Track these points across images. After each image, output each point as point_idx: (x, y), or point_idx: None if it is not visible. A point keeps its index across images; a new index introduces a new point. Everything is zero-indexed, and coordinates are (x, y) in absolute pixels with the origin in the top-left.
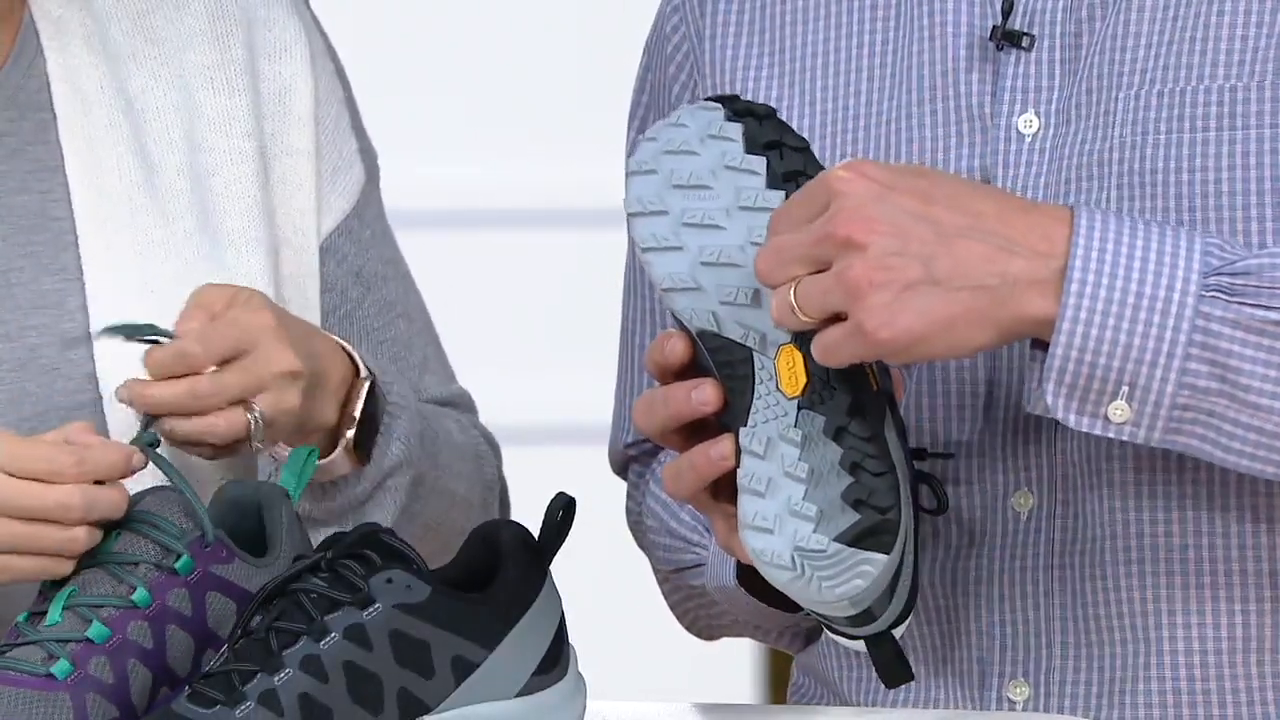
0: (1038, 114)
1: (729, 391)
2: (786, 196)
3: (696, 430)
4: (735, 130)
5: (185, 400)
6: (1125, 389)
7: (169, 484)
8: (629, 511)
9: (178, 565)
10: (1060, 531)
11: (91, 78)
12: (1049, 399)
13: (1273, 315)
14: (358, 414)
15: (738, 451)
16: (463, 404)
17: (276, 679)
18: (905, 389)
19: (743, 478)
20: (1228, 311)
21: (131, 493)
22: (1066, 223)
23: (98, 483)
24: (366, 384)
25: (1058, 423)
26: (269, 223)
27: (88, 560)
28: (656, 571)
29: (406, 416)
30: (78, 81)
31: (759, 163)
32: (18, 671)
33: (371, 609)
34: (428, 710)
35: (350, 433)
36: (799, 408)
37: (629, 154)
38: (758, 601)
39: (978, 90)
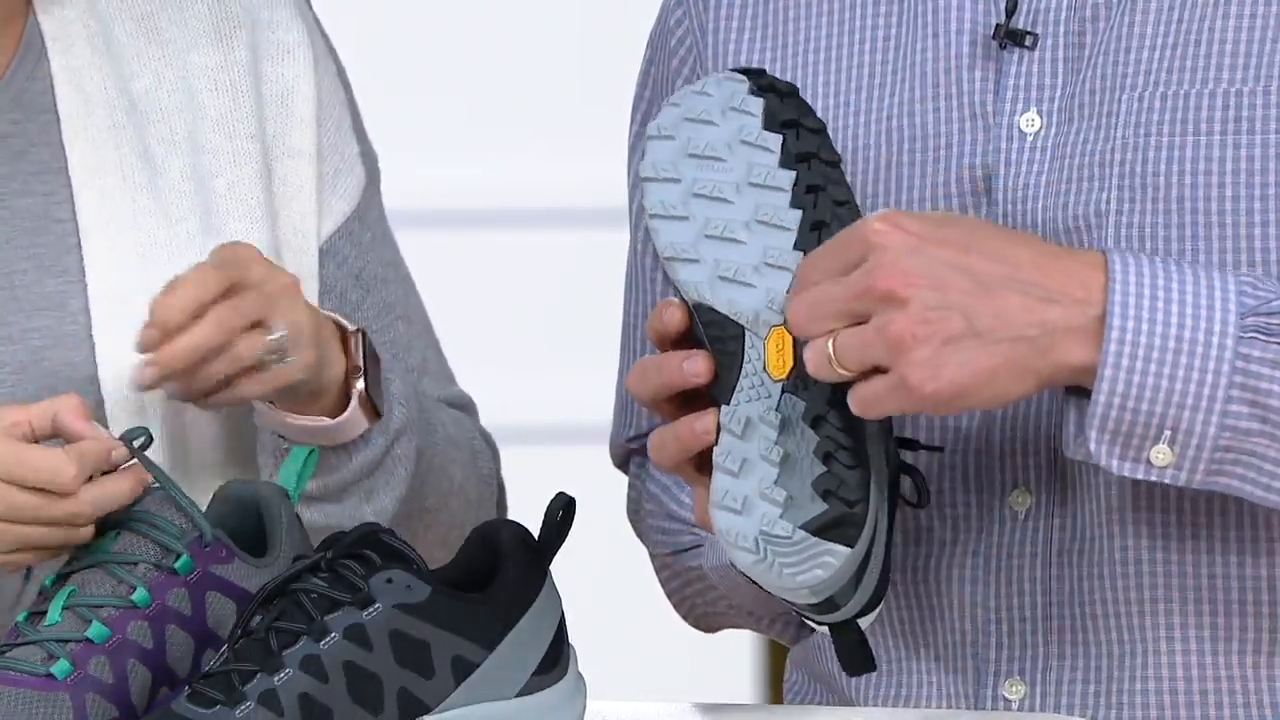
0: (1040, 113)
1: (719, 367)
2: (798, 177)
3: (689, 401)
4: (756, 105)
5: (210, 333)
6: (1168, 433)
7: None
8: (629, 500)
9: (177, 565)
10: (1058, 531)
11: (95, 79)
12: (1091, 445)
13: None
14: (361, 362)
15: (720, 428)
16: (463, 406)
17: (276, 679)
18: None
19: (718, 455)
20: (1266, 352)
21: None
22: (1101, 269)
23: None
24: (358, 335)
25: (1056, 422)
26: (271, 225)
27: (88, 560)
28: (654, 558)
29: (400, 378)
30: (81, 83)
31: (775, 140)
32: (18, 671)
33: (371, 609)
34: (428, 710)
35: (360, 383)
36: (783, 391)
37: (641, 123)
38: (752, 584)
39: (980, 88)
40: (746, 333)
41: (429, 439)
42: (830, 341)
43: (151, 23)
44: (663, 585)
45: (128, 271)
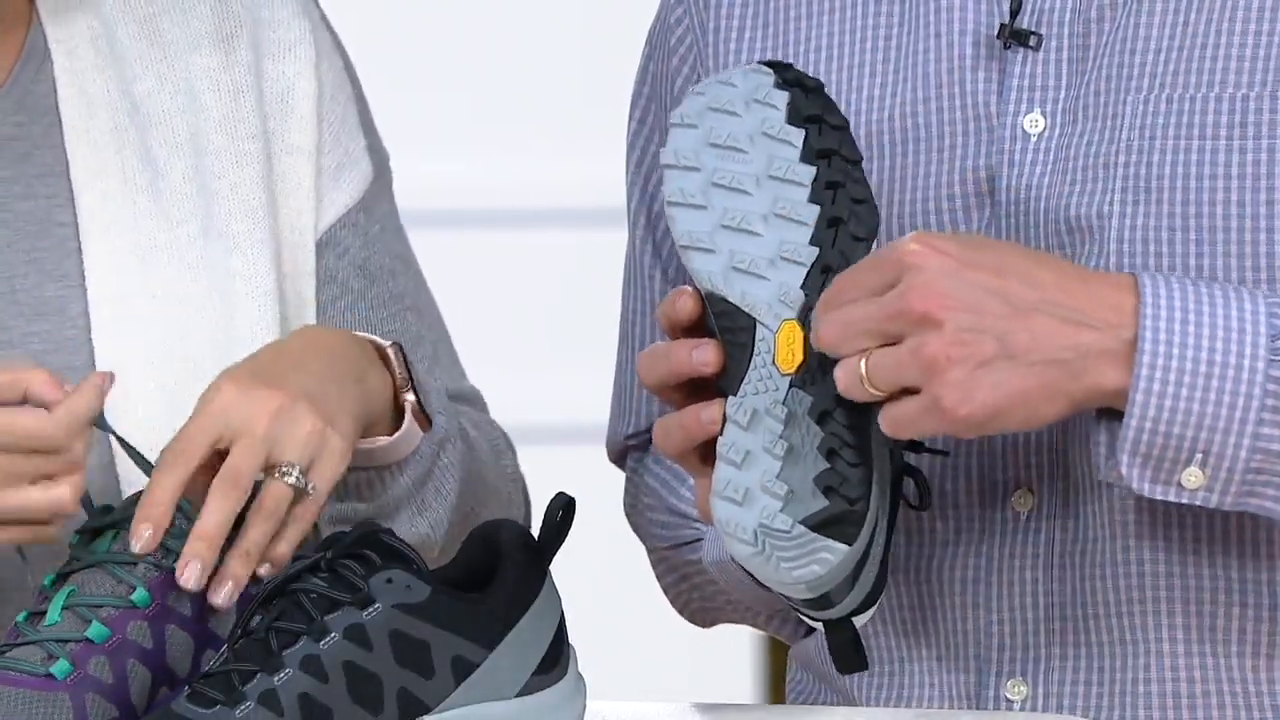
0: (1044, 114)
1: (728, 357)
2: (818, 173)
3: (696, 390)
4: (781, 99)
5: (228, 493)
6: (1199, 456)
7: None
8: (626, 495)
9: (177, 565)
10: (1060, 532)
11: (98, 82)
12: (1123, 469)
13: None
14: (408, 375)
15: (725, 418)
16: (472, 401)
17: (276, 679)
18: None
19: (722, 446)
20: None
21: (131, 492)
22: (1132, 292)
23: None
24: (394, 350)
25: (1058, 424)
26: (273, 224)
27: (88, 560)
28: (652, 552)
29: (434, 386)
30: (84, 86)
31: (797, 135)
32: (17, 671)
33: (371, 609)
34: (427, 710)
35: (411, 395)
36: (790, 385)
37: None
38: (752, 579)
39: (983, 89)
40: (757, 325)
41: (466, 444)
42: (863, 361)
43: (154, 25)
44: (659, 579)
45: (128, 275)
